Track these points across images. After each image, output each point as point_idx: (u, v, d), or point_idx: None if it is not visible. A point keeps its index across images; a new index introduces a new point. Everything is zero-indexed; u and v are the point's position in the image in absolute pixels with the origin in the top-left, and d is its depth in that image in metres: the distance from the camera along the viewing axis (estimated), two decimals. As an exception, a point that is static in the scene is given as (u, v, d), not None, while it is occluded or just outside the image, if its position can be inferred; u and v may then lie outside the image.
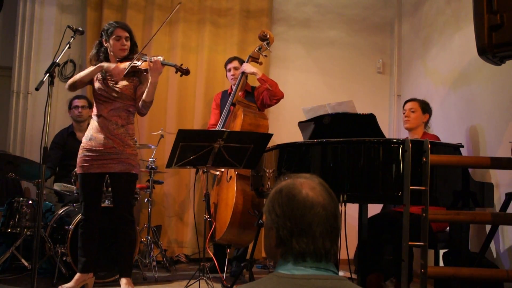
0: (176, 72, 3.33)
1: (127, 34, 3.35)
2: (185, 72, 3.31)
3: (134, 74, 3.34)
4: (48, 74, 2.93)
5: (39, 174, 2.87)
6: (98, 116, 3.31)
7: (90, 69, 3.33)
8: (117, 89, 3.30)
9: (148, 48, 4.87)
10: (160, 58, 3.23)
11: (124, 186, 3.30)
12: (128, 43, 3.35)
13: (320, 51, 5.21)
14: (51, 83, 2.92)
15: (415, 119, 3.49)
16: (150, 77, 3.22)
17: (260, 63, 4.26)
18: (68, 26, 3.17)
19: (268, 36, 4.18)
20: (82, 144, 3.33)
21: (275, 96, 4.10)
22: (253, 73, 4.13)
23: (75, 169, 3.78)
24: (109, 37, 3.31)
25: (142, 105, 3.30)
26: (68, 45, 3.13)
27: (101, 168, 3.26)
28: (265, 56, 4.29)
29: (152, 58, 3.23)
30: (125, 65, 3.27)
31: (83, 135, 4.30)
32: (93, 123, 3.33)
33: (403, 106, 3.63)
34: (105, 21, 4.82)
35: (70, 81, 3.35)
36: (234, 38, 4.98)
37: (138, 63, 3.27)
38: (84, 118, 4.34)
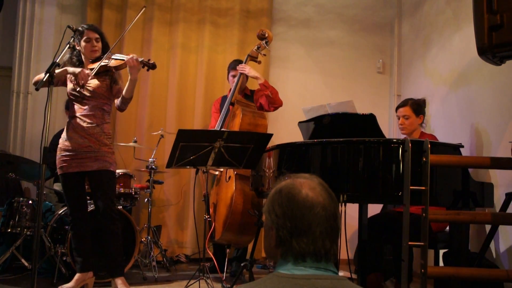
0: (143, 67, 3.31)
1: (97, 36, 3.36)
2: (151, 66, 3.30)
3: (106, 73, 3.35)
4: (48, 74, 2.93)
5: (39, 174, 2.87)
6: (73, 116, 3.32)
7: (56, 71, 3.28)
8: (90, 88, 3.31)
9: (148, 48, 4.88)
10: (134, 56, 3.24)
11: (103, 183, 3.28)
12: (99, 44, 3.36)
13: (320, 51, 5.21)
14: (51, 83, 2.93)
15: (410, 125, 3.43)
16: (129, 75, 3.24)
17: (259, 62, 4.26)
18: (68, 26, 3.18)
19: (267, 35, 4.16)
20: (59, 145, 3.33)
21: (274, 103, 4.09)
22: (256, 78, 4.11)
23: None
24: (80, 40, 3.33)
25: (121, 101, 3.32)
26: (68, 45, 3.13)
27: (79, 167, 3.26)
28: (264, 55, 4.28)
29: (127, 56, 3.25)
30: (93, 66, 3.28)
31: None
32: (69, 123, 3.34)
33: (396, 111, 3.56)
34: (105, 21, 4.83)
35: (35, 79, 3.30)
36: (234, 38, 4.98)
37: (106, 61, 3.28)
38: None
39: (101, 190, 3.27)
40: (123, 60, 3.26)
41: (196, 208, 4.36)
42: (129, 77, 3.25)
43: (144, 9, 3.42)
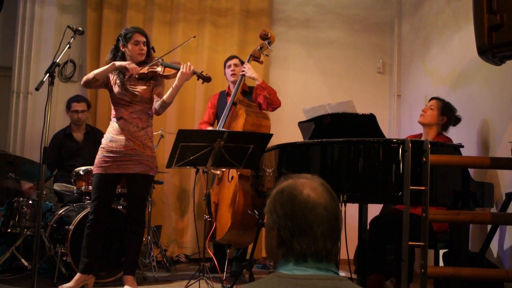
0: (198, 79, 3.51)
1: (145, 39, 3.41)
2: (206, 79, 3.50)
3: (152, 77, 3.39)
4: (48, 74, 2.93)
5: (39, 174, 2.87)
6: (119, 118, 3.34)
7: (103, 68, 3.35)
8: (136, 92, 3.34)
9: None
10: (188, 64, 3.37)
11: (141, 187, 3.34)
12: (145, 48, 3.41)
13: (320, 51, 5.21)
14: (51, 83, 2.93)
15: (429, 116, 3.32)
16: (176, 80, 3.33)
17: (261, 62, 4.25)
18: (68, 26, 3.18)
19: (269, 35, 4.16)
20: (101, 146, 3.35)
21: (272, 104, 4.07)
22: (254, 78, 4.10)
23: (76, 169, 3.79)
24: (127, 42, 3.36)
25: (160, 105, 3.36)
26: (68, 45, 3.14)
27: (119, 169, 3.29)
28: (266, 55, 4.28)
29: (185, 65, 3.36)
30: (143, 68, 3.35)
31: (81, 135, 4.33)
32: (113, 125, 3.35)
33: (429, 100, 3.47)
34: (105, 21, 4.83)
35: (84, 79, 3.37)
36: (234, 38, 4.98)
37: (158, 69, 3.36)
38: (82, 122, 4.33)
39: (136, 193, 3.34)
40: (176, 69, 3.36)
41: (196, 208, 4.36)
42: (175, 83, 3.33)
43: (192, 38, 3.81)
